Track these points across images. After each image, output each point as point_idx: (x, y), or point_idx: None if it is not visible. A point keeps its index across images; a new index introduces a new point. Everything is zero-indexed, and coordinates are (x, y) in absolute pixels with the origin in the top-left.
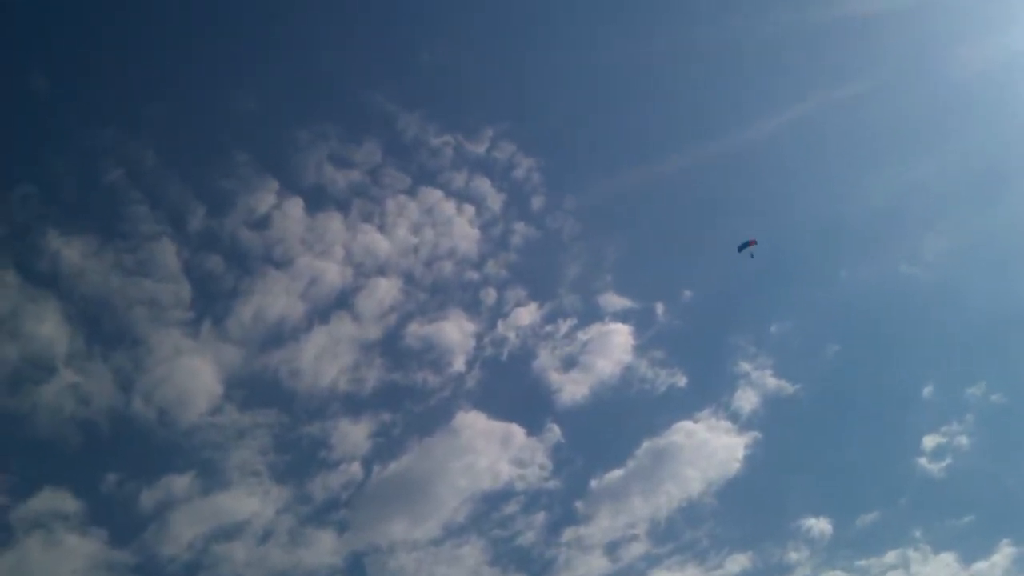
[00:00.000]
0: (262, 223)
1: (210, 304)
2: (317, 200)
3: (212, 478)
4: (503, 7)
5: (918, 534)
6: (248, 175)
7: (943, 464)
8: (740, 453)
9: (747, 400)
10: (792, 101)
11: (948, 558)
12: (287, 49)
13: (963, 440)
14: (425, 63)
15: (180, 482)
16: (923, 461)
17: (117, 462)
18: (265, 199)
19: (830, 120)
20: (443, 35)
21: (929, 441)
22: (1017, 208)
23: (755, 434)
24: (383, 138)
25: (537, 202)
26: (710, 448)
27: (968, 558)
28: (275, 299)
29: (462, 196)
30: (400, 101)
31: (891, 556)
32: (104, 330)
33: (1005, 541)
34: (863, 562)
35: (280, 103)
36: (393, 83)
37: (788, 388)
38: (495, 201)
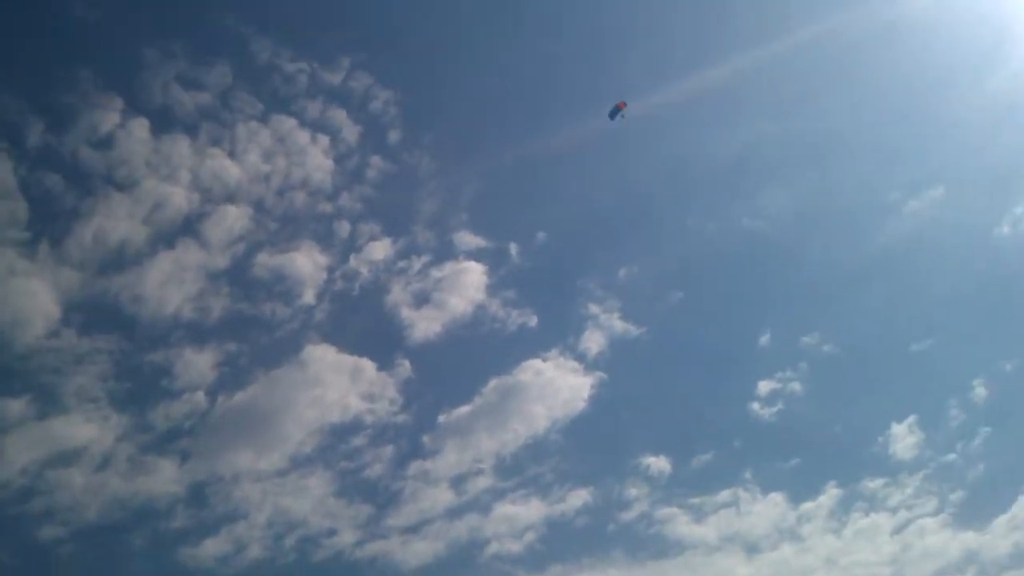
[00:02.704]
0: (105, 143)
1: (48, 224)
2: (164, 121)
3: (48, 403)
4: None
5: (749, 475)
6: (91, 92)
7: (775, 409)
8: (586, 392)
9: (594, 341)
10: (648, 60)
11: (777, 498)
12: None
13: (796, 386)
14: None
15: (14, 406)
16: (756, 406)
17: None
18: (108, 118)
19: (681, 79)
20: None
21: (764, 387)
22: (851, 167)
23: (600, 374)
24: (235, 61)
25: (394, 136)
26: (556, 387)
27: (796, 498)
28: (117, 222)
29: (317, 126)
30: (254, 23)
31: (724, 495)
32: None
33: (831, 483)
34: (697, 500)
35: (126, 17)
36: (247, 3)
37: (633, 331)
38: (351, 133)
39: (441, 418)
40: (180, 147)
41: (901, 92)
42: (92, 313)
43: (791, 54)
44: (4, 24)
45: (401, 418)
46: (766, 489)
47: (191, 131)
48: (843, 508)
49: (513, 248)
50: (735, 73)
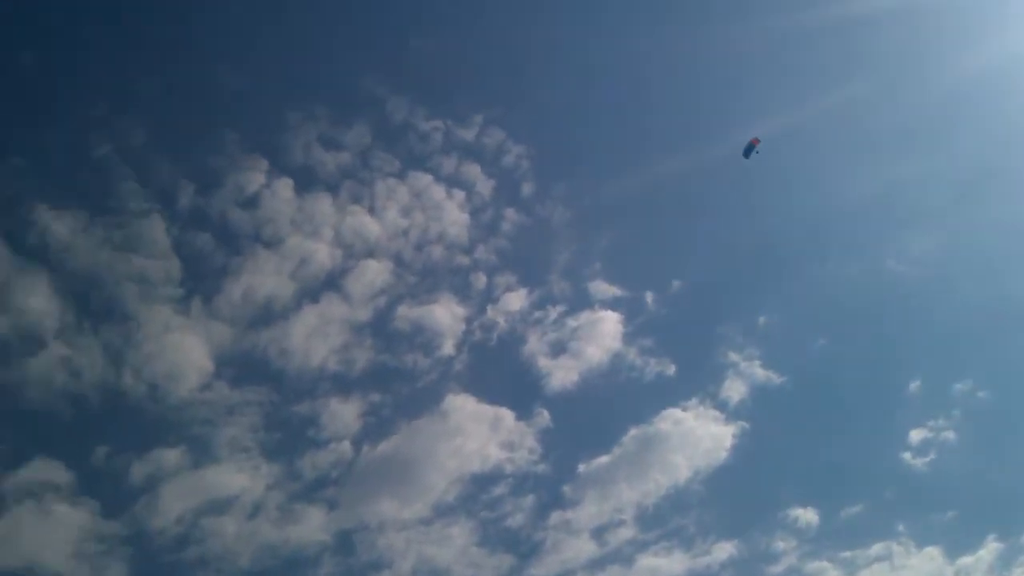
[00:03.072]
0: (251, 203)
1: (200, 282)
2: (307, 181)
3: (202, 453)
4: None
5: (902, 527)
6: (237, 154)
7: (928, 459)
8: (728, 442)
9: (735, 390)
10: (784, 102)
11: (933, 552)
12: (279, 29)
13: (949, 435)
14: (415, 47)
15: (170, 456)
16: (908, 456)
17: (108, 435)
18: (254, 179)
19: (822, 120)
20: (434, 19)
21: (915, 435)
22: (1001, 207)
23: (743, 424)
24: (373, 121)
25: (527, 189)
26: (697, 436)
27: (953, 553)
28: (264, 278)
29: (452, 181)
30: (390, 84)
31: (876, 548)
32: (94, 305)
33: (991, 536)
34: (848, 554)
35: (271, 83)
36: (383, 66)
37: (776, 379)
38: (485, 187)
39: (581, 468)
40: (322, 205)
41: None
42: (242, 366)
43: (936, 89)
44: (157, 94)
45: (541, 468)
46: (921, 543)
47: (333, 189)
48: (1004, 563)
49: (649, 296)
50: (878, 109)
